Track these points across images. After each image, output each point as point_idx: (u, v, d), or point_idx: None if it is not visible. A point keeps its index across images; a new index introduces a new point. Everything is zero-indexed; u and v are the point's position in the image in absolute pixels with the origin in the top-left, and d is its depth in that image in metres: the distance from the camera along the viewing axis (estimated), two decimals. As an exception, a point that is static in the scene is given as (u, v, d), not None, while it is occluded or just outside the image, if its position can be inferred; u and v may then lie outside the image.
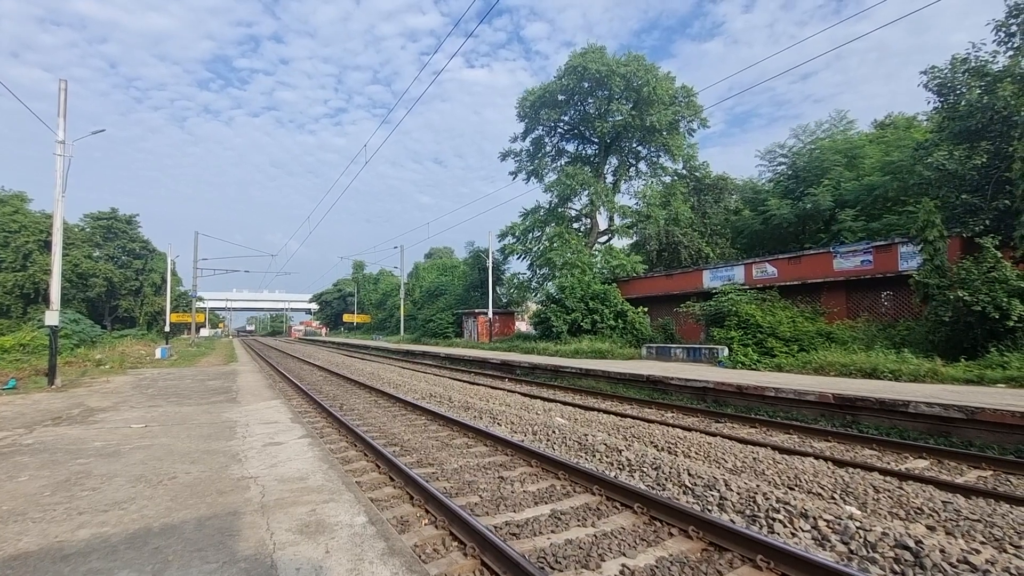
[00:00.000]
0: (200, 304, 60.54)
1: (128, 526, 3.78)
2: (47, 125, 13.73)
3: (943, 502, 5.01)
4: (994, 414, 7.66)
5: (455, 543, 4.31)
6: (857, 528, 4.22)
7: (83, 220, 52.64)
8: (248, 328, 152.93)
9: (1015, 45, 15.32)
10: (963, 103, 15.77)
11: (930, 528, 4.56)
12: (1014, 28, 15.23)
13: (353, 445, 7.90)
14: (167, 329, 37.61)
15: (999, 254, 12.71)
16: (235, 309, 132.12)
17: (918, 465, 6.93)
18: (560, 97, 32.52)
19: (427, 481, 5.58)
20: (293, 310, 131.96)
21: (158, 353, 25.63)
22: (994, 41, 15.58)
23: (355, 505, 4.21)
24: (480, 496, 5.48)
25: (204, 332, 74.78)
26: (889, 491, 5.30)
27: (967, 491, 5.56)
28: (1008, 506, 5.07)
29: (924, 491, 5.35)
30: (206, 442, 6.60)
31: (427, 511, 4.97)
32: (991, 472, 6.59)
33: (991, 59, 15.61)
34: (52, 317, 13.22)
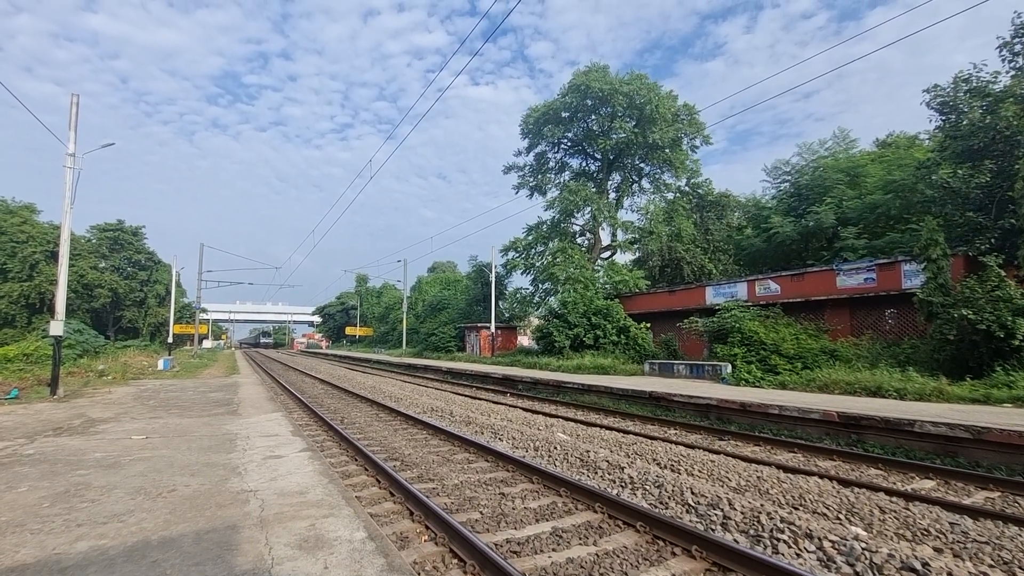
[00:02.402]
0: (203, 316, 60.71)
1: (127, 539, 3.76)
2: (58, 138, 13.97)
3: (950, 523, 4.93)
4: (1001, 434, 7.57)
5: (455, 560, 4.26)
6: (863, 549, 4.15)
7: (90, 231, 53.18)
8: (264, 340, 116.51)
9: (1019, 65, 15.41)
10: (965, 122, 15.85)
11: (937, 550, 4.48)
12: (1019, 47, 15.32)
13: (353, 459, 7.85)
14: (170, 340, 37.65)
15: (1003, 273, 12.67)
16: (238, 321, 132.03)
17: (924, 485, 6.84)
18: (564, 114, 32.89)
19: (427, 497, 5.54)
20: (296, 322, 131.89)
21: (160, 364, 25.66)
22: (1000, 58, 15.66)
23: (355, 520, 4.18)
24: (481, 512, 5.43)
25: (207, 344, 74.82)
26: (895, 512, 5.22)
27: (975, 512, 5.48)
28: (1017, 528, 4.99)
29: (931, 512, 5.27)
30: (206, 454, 6.58)
31: (427, 527, 4.92)
32: (999, 493, 6.49)
33: (993, 79, 15.71)
34: (56, 327, 13.28)
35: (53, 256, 39.76)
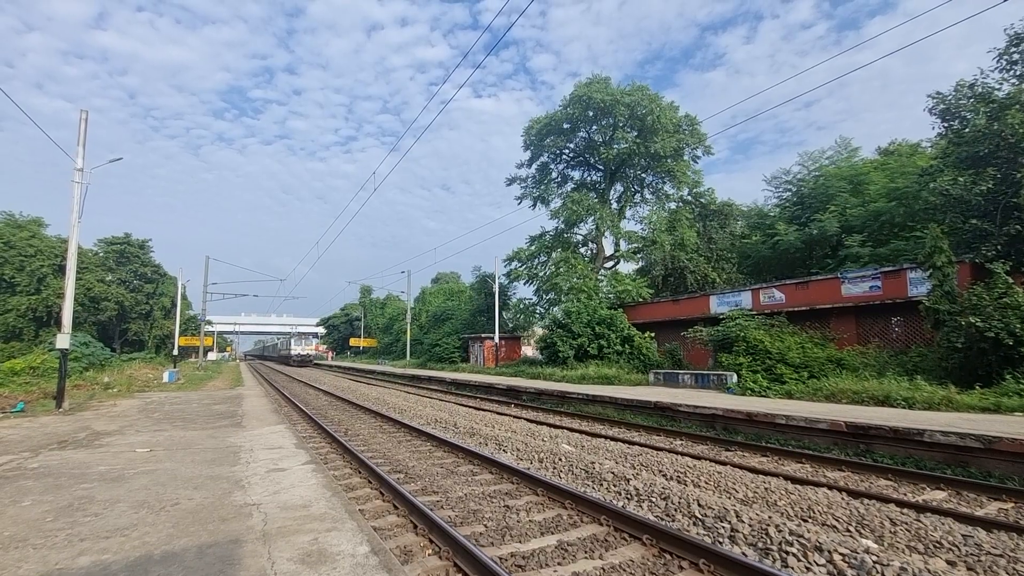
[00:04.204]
0: (208, 328, 60.92)
1: (129, 553, 3.74)
2: (67, 153, 14.16)
3: (963, 536, 4.84)
4: (1013, 443, 7.46)
5: (459, 575, 4.21)
6: (874, 562, 4.08)
7: (97, 245, 53.68)
8: (300, 352, 64.89)
9: (1017, 73, 15.47)
10: (968, 129, 15.85)
11: (950, 563, 4.40)
12: (1016, 56, 15.40)
13: (357, 472, 7.81)
14: (175, 352, 37.77)
15: (1010, 280, 12.57)
16: (243, 332, 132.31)
17: (936, 496, 6.74)
18: (565, 125, 33.11)
19: (431, 509, 5.49)
20: (300, 334, 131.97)
21: (165, 376, 25.72)
22: (994, 69, 15.76)
23: (358, 534, 4.14)
24: (485, 525, 5.38)
25: (212, 356, 74.95)
26: (906, 524, 5.14)
27: (988, 524, 5.38)
28: (1031, 541, 4.89)
29: (943, 524, 5.18)
30: (210, 467, 6.56)
31: (431, 541, 4.88)
32: (1012, 504, 6.38)
33: (997, 86, 15.74)
34: (63, 340, 13.35)
35: (60, 270, 40.13)
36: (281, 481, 5.87)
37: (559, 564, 4.43)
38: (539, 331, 38.50)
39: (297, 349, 60.57)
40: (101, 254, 52.71)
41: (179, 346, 39.03)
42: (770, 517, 5.13)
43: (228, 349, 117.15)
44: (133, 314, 52.33)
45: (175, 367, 31.30)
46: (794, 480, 7.12)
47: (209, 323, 58.75)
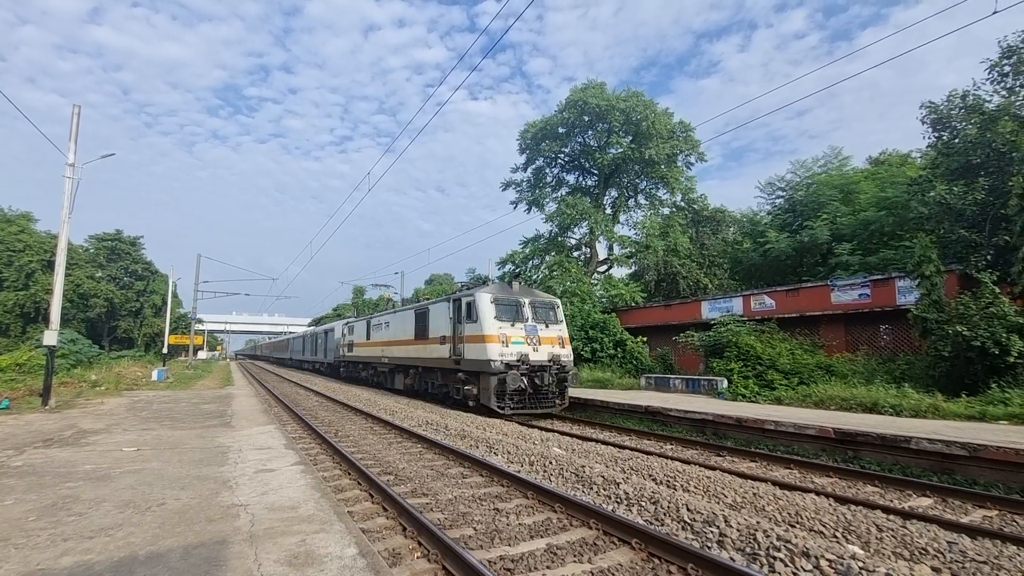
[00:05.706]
0: (199, 326, 60.40)
1: (113, 553, 3.70)
2: (58, 148, 14.01)
3: (948, 542, 4.90)
4: (998, 451, 7.56)
5: (447, 577, 4.19)
6: (860, 568, 4.11)
7: (88, 241, 53.16)
8: (537, 359, 13.59)
9: (1008, 85, 15.75)
10: (959, 139, 16.09)
11: (935, 570, 4.44)
12: (1007, 69, 15.68)
13: (347, 473, 7.77)
14: (165, 351, 37.38)
15: (997, 289, 12.74)
16: (234, 332, 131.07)
17: (921, 503, 6.81)
18: (561, 130, 33.20)
19: (420, 512, 5.47)
20: (292, 335, 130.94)
21: (154, 375, 25.44)
22: (986, 80, 16.03)
23: (346, 536, 4.12)
24: (475, 528, 5.37)
25: (202, 354, 74.24)
26: (892, 530, 5.19)
27: (972, 531, 5.45)
28: (1015, 548, 4.96)
29: (928, 530, 5.24)
30: (197, 467, 6.50)
31: (420, 543, 4.86)
32: (997, 511, 6.46)
33: (989, 98, 16.00)
34: (50, 337, 13.19)
35: (49, 265, 39.68)
36: (269, 482, 5.82)
37: (548, 568, 4.43)
38: (532, 334, 38.36)
39: (523, 349, 14.19)
40: (92, 250, 52.20)
41: (169, 344, 38.61)
42: (758, 522, 5.16)
43: (218, 348, 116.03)
44: (123, 311, 51.83)
45: (164, 365, 30.98)
46: (782, 485, 7.16)
47: (200, 321, 58.25)
